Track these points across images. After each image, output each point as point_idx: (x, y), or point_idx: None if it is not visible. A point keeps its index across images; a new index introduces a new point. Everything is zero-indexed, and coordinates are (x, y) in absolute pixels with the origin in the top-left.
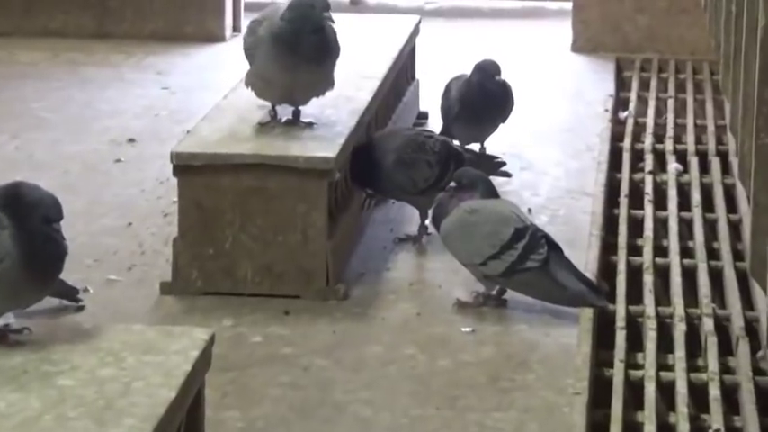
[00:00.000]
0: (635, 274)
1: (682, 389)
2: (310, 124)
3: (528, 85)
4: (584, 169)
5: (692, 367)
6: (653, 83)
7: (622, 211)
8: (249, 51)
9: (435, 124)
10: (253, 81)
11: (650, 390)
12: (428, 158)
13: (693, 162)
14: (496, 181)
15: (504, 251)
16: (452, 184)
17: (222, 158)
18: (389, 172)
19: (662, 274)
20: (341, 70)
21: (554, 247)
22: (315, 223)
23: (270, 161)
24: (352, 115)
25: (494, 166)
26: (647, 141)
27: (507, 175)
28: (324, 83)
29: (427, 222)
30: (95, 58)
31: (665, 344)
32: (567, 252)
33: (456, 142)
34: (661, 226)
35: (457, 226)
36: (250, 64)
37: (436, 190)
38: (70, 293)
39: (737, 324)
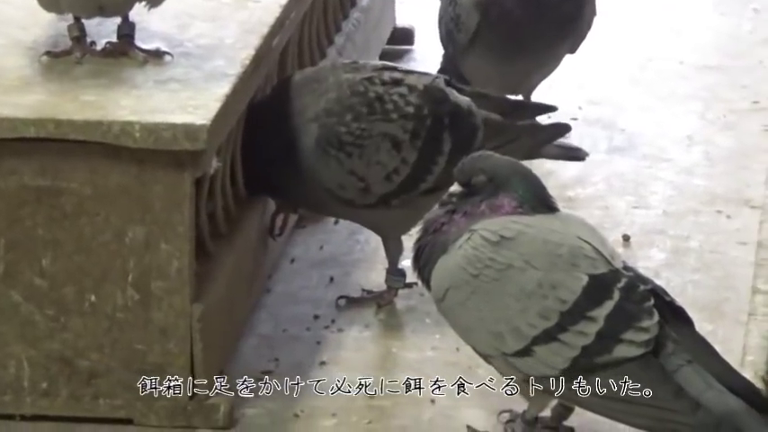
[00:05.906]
0: None
1: None
2: (159, 54)
3: None
4: (744, 152)
5: None
6: None
7: None
8: None
9: (427, 54)
10: None
11: None
12: (391, 130)
13: None
14: (557, 177)
15: (569, 326)
16: (455, 186)
17: None
18: (311, 161)
19: None
20: None
21: (676, 317)
22: (166, 267)
23: (70, 134)
24: (246, 37)
25: (548, 137)
26: None
27: (578, 156)
28: None
29: (403, 265)
30: None
31: None
32: (702, 327)
33: (469, 91)
34: None
35: (466, 275)
36: None
37: (417, 197)
38: None
39: None
